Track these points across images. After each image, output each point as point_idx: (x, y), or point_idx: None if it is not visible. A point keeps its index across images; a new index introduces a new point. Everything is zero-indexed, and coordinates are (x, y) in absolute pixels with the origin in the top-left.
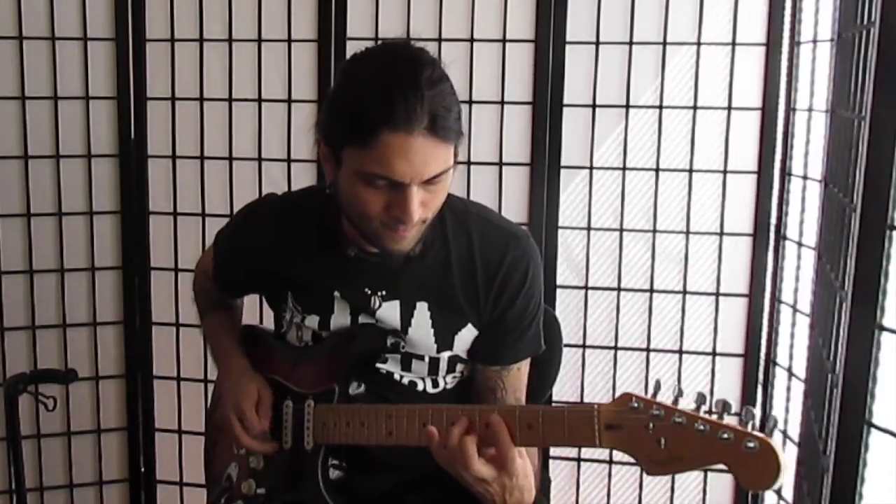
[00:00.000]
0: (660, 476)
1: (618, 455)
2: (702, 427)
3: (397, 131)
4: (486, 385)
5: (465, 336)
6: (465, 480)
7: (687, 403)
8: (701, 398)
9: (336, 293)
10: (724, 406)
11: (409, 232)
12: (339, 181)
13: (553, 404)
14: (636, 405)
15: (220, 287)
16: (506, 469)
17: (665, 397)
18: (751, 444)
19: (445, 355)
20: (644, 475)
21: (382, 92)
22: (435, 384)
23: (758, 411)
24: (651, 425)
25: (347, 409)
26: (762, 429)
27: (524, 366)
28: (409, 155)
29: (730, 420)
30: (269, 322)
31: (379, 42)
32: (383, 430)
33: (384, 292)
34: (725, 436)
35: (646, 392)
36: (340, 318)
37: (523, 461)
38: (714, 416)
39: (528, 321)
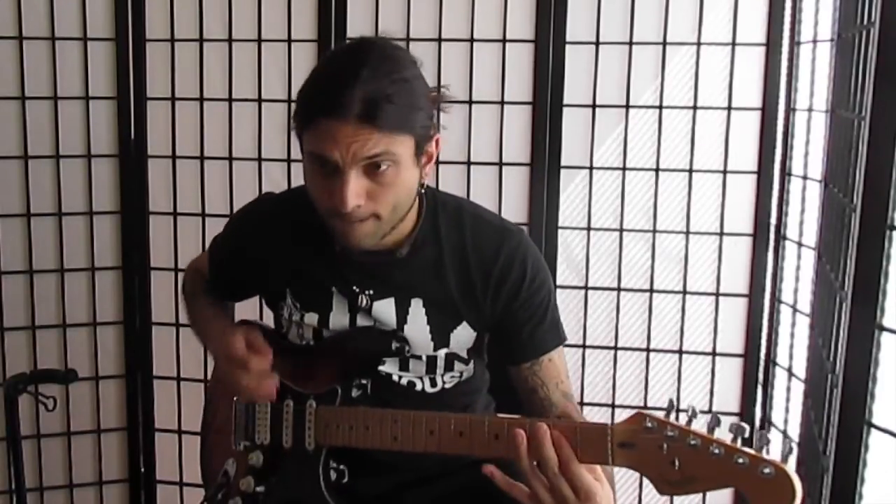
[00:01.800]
0: (672, 496)
1: None
2: (717, 450)
3: (329, 118)
4: (526, 387)
5: (462, 335)
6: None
7: (700, 426)
8: (715, 420)
9: (333, 288)
10: (738, 430)
11: (358, 226)
12: (304, 168)
13: None
14: (650, 425)
15: (217, 291)
16: (581, 490)
17: (678, 417)
18: (766, 471)
19: (442, 353)
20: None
21: (324, 81)
22: (433, 383)
23: (758, 412)
24: (665, 446)
25: (351, 412)
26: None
27: (556, 356)
28: (337, 137)
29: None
30: (268, 323)
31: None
32: (388, 435)
33: (371, 291)
34: (741, 461)
35: (645, 400)
36: (339, 315)
37: (602, 486)
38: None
39: (539, 314)
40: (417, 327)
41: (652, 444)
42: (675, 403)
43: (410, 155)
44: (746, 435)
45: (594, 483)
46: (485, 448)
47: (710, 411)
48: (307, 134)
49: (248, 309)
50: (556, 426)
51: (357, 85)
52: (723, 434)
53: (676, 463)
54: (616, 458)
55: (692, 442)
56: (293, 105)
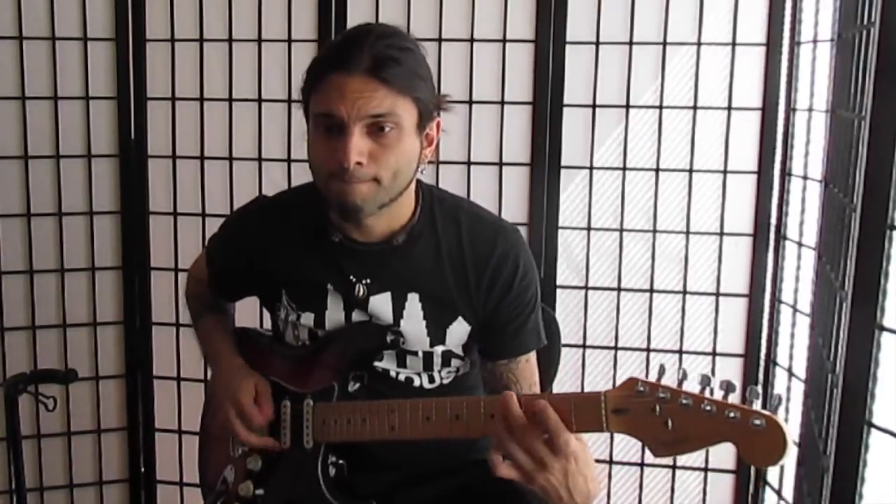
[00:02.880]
0: (667, 457)
1: (618, 455)
2: (708, 407)
3: (338, 72)
4: (500, 383)
5: (457, 330)
6: (523, 470)
7: (691, 386)
8: (705, 380)
9: (329, 286)
10: (728, 386)
11: (361, 186)
12: (307, 144)
13: None
14: (642, 389)
15: (215, 291)
16: (563, 453)
17: (669, 381)
18: (757, 422)
19: (439, 349)
20: (644, 475)
21: (334, 44)
22: (431, 379)
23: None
24: (658, 408)
25: (347, 406)
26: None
27: (532, 357)
28: (345, 91)
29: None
30: (268, 324)
31: None
32: (385, 426)
33: (368, 280)
34: (732, 415)
35: (646, 376)
36: (335, 313)
37: (582, 446)
38: (719, 397)
39: (525, 313)
40: (413, 323)
41: (644, 407)
42: (665, 368)
43: (413, 123)
44: (737, 392)
45: (575, 442)
46: (481, 429)
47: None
48: (315, 96)
49: (248, 311)
50: (550, 398)
51: (366, 46)
52: (714, 394)
53: (670, 423)
54: (611, 425)
55: (684, 401)
56: (293, 105)
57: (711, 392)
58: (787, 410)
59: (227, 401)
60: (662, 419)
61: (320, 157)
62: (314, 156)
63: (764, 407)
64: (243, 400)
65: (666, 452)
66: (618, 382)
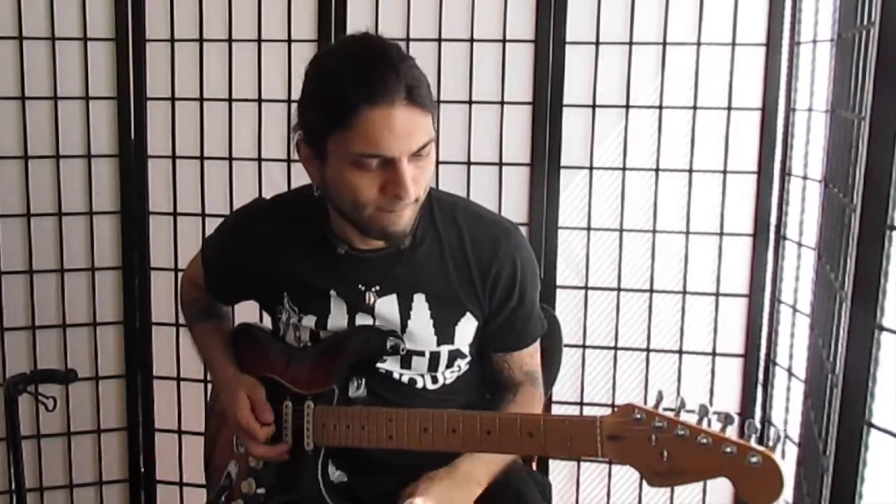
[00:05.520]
0: (663, 487)
1: None
2: (705, 440)
3: (378, 106)
4: (492, 368)
5: (465, 327)
6: None
7: (689, 415)
8: (703, 410)
9: (332, 292)
10: (727, 419)
11: (406, 211)
12: (327, 177)
13: (553, 404)
14: (639, 416)
15: (212, 294)
16: None
17: (667, 407)
18: (754, 459)
19: (446, 349)
20: None
21: (357, 73)
22: (434, 380)
23: (758, 412)
24: (654, 437)
25: (347, 411)
26: (761, 440)
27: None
28: (393, 127)
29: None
30: (268, 322)
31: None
32: (383, 434)
33: (378, 287)
34: (728, 450)
35: (645, 400)
36: (337, 316)
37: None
38: (717, 429)
39: (528, 309)
40: (420, 323)
41: (641, 435)
42: (662, 394)
43: (434, 133)
44: (735, 424)
45: None
46: (476, 444)
47: (727, 426)
48: (350, 133)
49: (248, 310)
50: (546, 420)
51: (399, 71)
52: (712, 425)
53: (665, 454)
54: (605, 451)
55: (680, 433)
56: (293, 105)
57: (709, 423)
58: (786, 410)
59: (231, 422)
60: (658, 449)
61: (364, 194)
62: (352, 192)
63: (763, 408)
64: (241, 417)
65: (661, 483)
66: (618, 383)
